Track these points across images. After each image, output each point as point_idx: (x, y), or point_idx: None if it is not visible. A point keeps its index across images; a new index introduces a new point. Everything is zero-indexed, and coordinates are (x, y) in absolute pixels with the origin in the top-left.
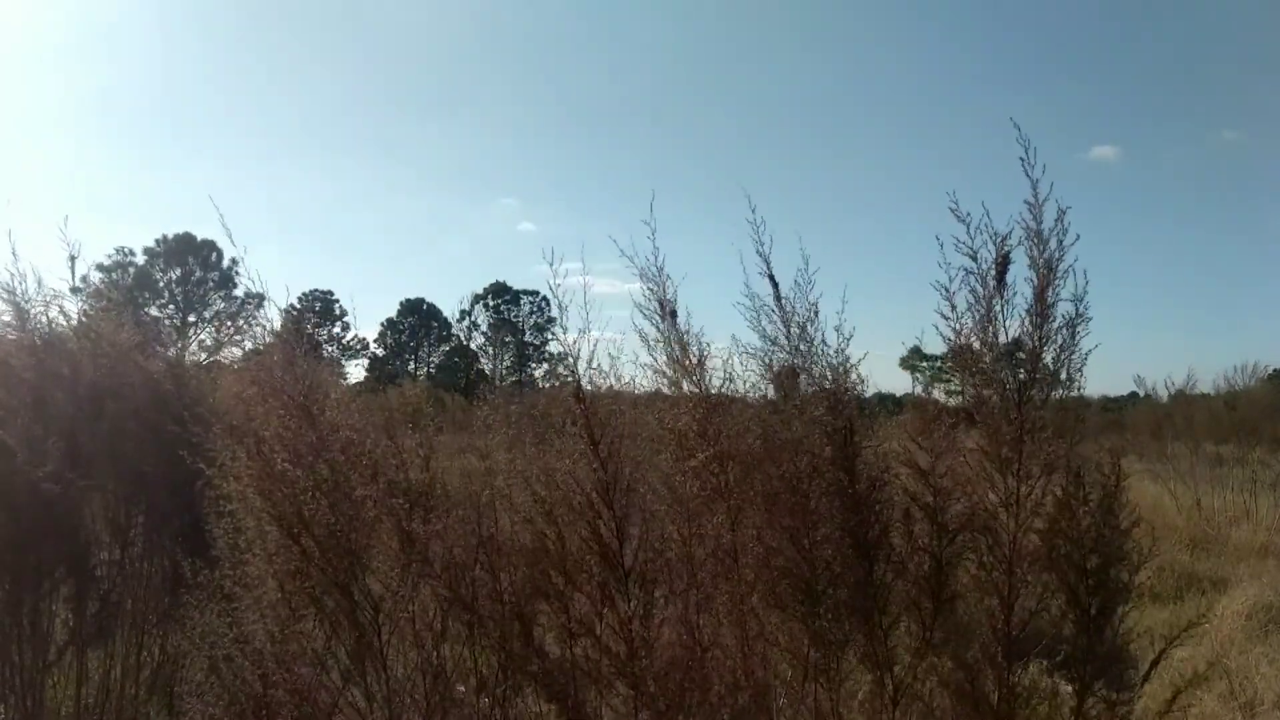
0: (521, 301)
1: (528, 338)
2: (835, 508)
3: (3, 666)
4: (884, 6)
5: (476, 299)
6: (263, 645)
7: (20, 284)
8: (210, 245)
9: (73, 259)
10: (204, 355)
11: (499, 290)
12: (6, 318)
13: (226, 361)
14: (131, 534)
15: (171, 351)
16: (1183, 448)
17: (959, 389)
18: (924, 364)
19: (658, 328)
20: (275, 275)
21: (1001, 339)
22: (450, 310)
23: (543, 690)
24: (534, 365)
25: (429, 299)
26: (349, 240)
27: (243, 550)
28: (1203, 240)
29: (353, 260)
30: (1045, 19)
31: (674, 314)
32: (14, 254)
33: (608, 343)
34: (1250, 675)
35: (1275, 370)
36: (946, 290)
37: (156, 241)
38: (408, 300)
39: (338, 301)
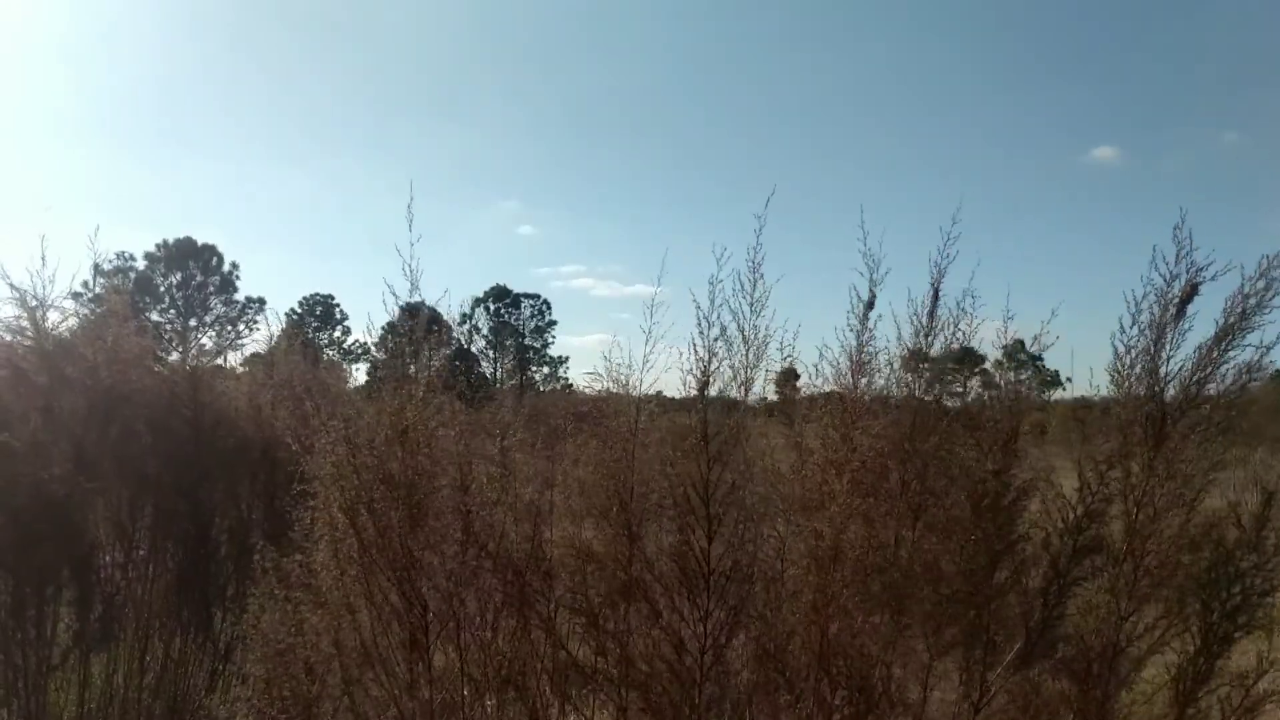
0: (522, 305)
1: (528, 341)
2: (978, 511)
3: (6, 670)
4: (883, 7)
5: (477, 302)
6: (319, 636)
7: (40, 289)
8: (211, 249)
9: (96, 266)
10: (204, 360)
11: (499, 293)
12: (23, 321)
13: (227, 366)
14: (136, 536)
15: (175, 356)
16: (1221, 460)
17: (961, 392)
18: (924, 366)
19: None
20: (276, 278)
21: (1163, 369)
22: (450, 313)
23: (639, 695)
24: (535, 368)
25: (429, 302)
26: (349, 243)
27: (312, 539)
28: (1203, 242)
29: (353, 263)
30: (1045, 20)
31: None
32: (43, 259)
33: (609, 345)
34: (1251, 678)
35: (1278, 371)
36: (1135, 304)
37: (157, 246)
38: (407, 303)
39: (338, 305)
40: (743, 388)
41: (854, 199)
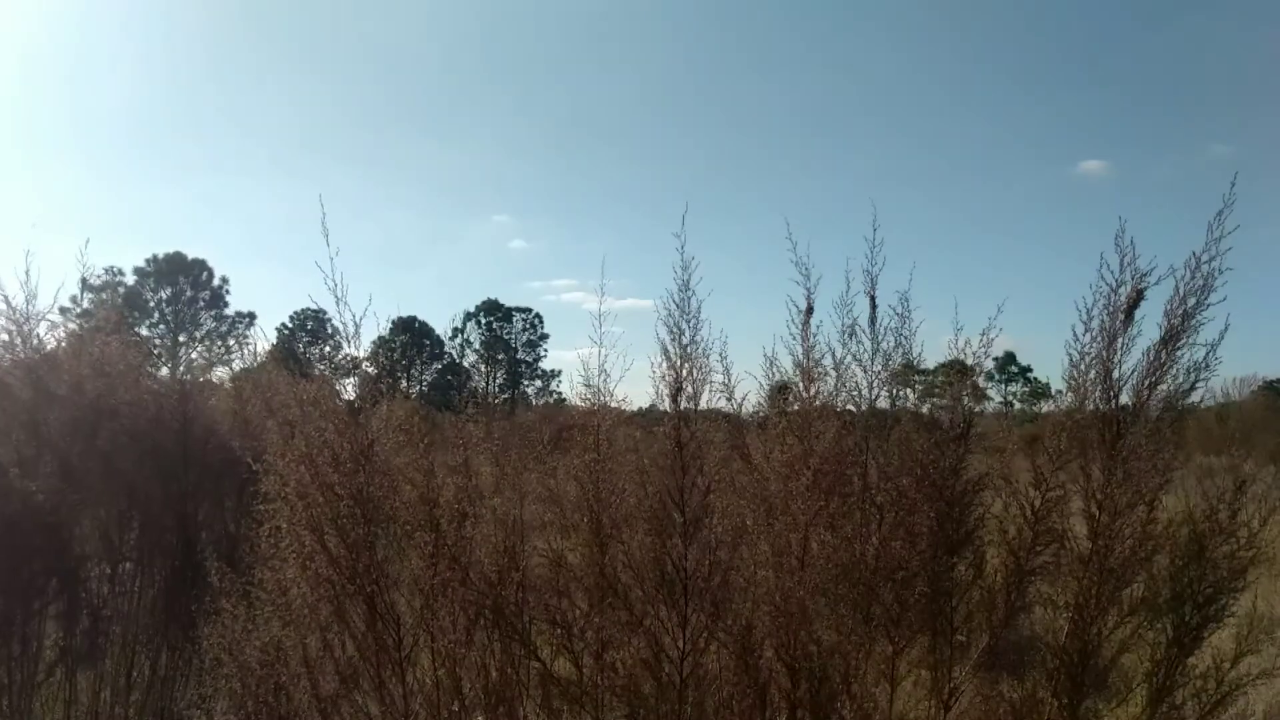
0: (514, 319)
1: (520, 355)
2: (933, 504)
3: None
4: (873, 19)
5: (468, 316)
6: (289, 653)
7: (27, 303)
8: (201, 264)
9: (84, 281)
10: (195, 374)
11: (491, 308)
12: (5, 336)
13: (216, 381)
14: (124, 550)
15: (164, 371)
16: (1174, 460)
17: (950, 404)
18: (916, 378)
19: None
20: (266, 293)
21: (1115, 373)
22: (442, 328)
23: (621, 702)
24: (527, 382)
25: (421, 317)
26: (341, 258)
27: (279, 557)
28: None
29: (344, 278)
30: (1034, 32)
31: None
32: (28, 274)
33: (589, 358)
34: (1241, 686)
35: (1267, 382)
36: (1086, 313)
37: (147, 261)
38: (399, 318)
39: (329, 320)
40: (695, 398)
41: (844, 208)
